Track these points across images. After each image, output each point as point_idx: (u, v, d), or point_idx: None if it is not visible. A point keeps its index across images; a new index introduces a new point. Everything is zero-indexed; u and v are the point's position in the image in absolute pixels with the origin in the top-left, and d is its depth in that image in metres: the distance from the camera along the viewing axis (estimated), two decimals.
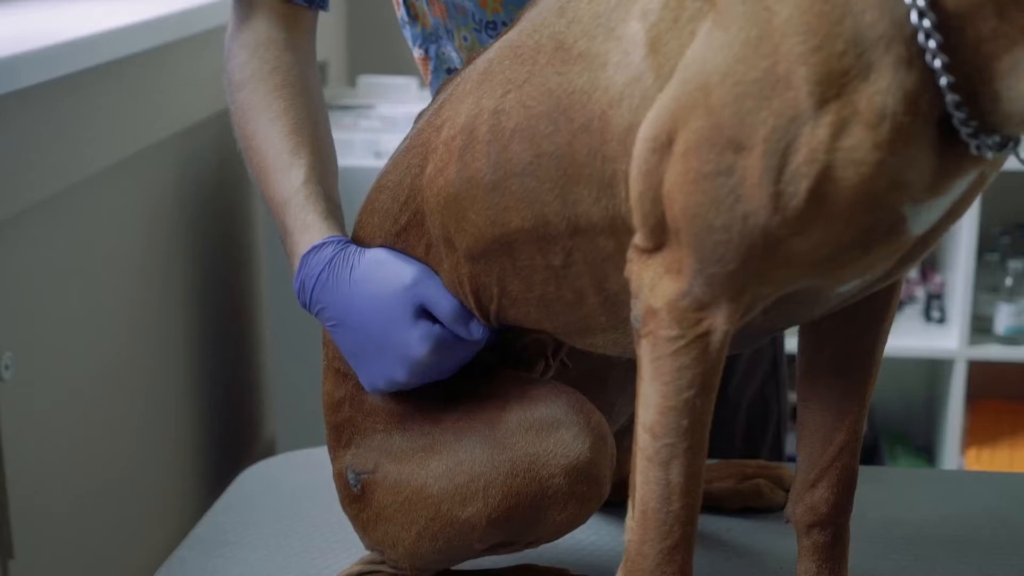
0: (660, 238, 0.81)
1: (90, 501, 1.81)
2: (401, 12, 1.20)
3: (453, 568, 1.04)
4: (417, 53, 1.21)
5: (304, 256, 1.00)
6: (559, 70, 0.87)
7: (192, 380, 2.21)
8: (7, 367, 1.43)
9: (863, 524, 1.15)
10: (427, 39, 1.18)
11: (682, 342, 0.81)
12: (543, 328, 0.95)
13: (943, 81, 0.73)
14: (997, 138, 0.76)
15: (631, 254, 0.84)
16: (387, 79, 2.80)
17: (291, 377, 2.40)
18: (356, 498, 0.99)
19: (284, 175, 1.03)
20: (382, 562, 1.02)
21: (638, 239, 0.83)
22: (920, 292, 2.86)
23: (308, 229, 1.00)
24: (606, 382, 1.05)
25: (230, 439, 2.43)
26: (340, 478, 1.01)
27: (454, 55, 1.17)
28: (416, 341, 0.94)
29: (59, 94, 1.64)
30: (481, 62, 0.94)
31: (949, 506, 1.19)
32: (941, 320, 2.82)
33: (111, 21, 1.72)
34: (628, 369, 0.97)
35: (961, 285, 2.66)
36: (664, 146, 0.79)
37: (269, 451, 2.60)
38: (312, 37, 1.13)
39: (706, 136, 0.77)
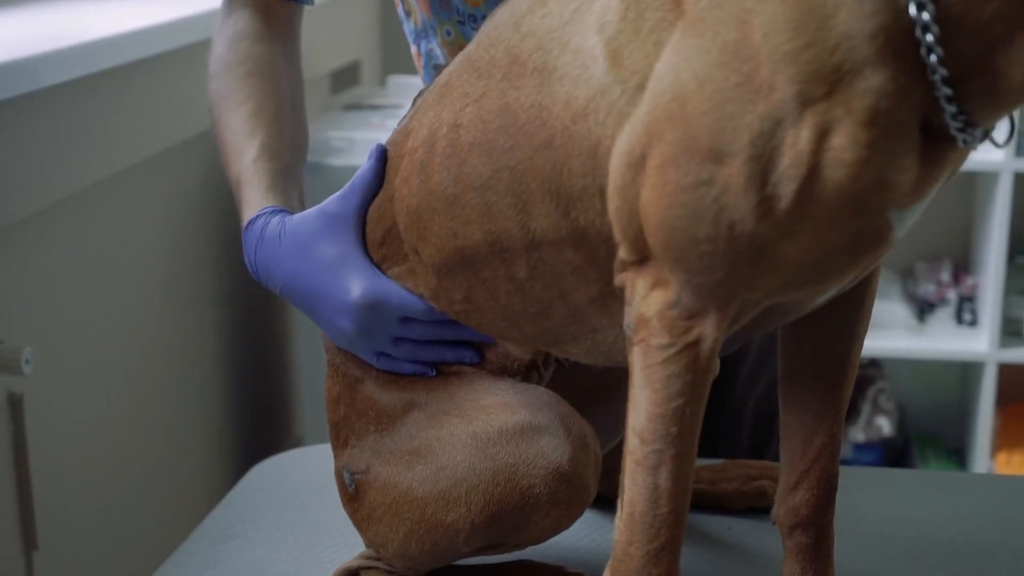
0: (642, 251, 0.81)
1: (114, 495, 1.84)
2: (399, 9, 1.22)
3: (452, 564, 1.05)
4: (412, 49, 1.22)
5: (243, 234, 1.03)
6: (514, 84, 0.87)
7: (219, 377, 2.24)
8: (27, 361, 1.46)
9: (865, 526, 1.15)
10: (419, 36, 1.20)
11: (672, 350, 0.81)
12: (511, 338, 0.96)
13: (938, 75, 0.73)
14: (983, 130, 0.76)
15: (620, 265, 0.83)
16: (417, 79, 2.81)
17: (319, 374, 2.41)
18: (352, 497, 1.01)
19: (238, 156, 1.06)
20: (379, 558, 1.04)
21: (622, 252, 0.83)
22: (952, 295, 2.84)
23: (248, 206, 1.03)
24: (611, 396, 1.06)
25: (257, 436, 2.45)
26: (339, 476, 1.02)
27: (439, 51, 1.18)
28: (350, 285, 0.96)
29: (85, 93, 1.66)
30: (444, 75, 0.95)
31: (951, 508, 1.19)
32: (973, 323, 2.80)
33: (137, 21, 1.75)
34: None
35: (992, 288, 2.65)
36: (638, 161, 0.79)
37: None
38: (294, 30, 1.15)
39: (684, 147, 0.76)
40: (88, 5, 1.96)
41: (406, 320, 0.97)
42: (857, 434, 2.85)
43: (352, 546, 1.14)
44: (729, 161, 0.74)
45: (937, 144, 0.76)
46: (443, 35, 1.16)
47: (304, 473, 1.30)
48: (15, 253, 1.57)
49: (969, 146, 0.76)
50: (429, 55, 1.20)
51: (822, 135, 0.73)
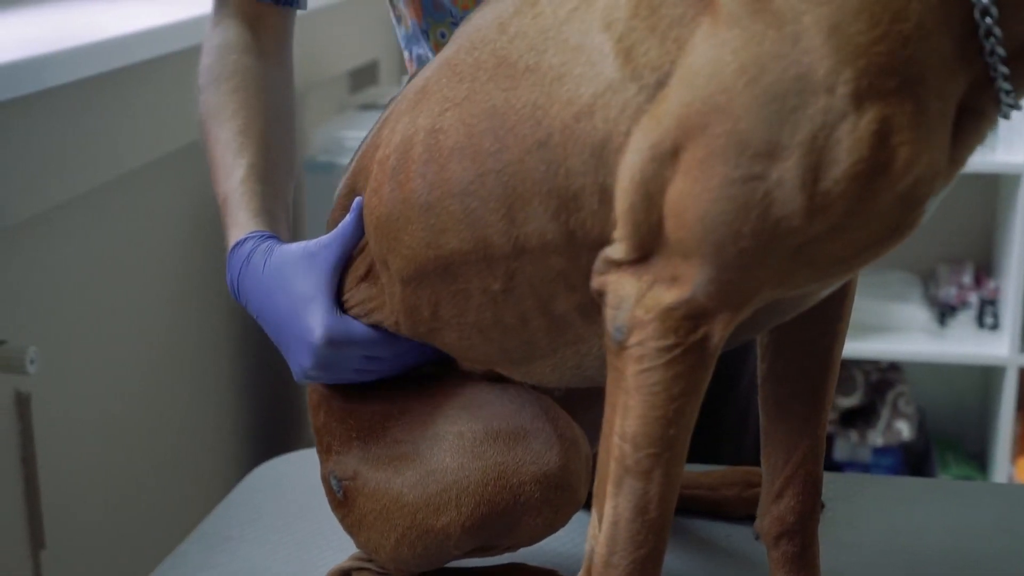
0: (649, 248, 0.79)
1: (122, 495, 1.84)
2: (391, 15, 1.21)
3: (444, 566, 1.04)
4: (405, 55, 1.21)
5: (229, 254, 1.02)
6: (503, 86, 0.85)
7: (229, 377, 2.24)
8: (32, 361, 1.46)
9: (866, 535, 1.14)
10: (410, 41, 1.19)
11: (678, 351, 0.78)
12: (477, 357, 0.94)
13: (996, 56, 0.73)
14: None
15: (602, 266, 0.81)
16: None
17: None
18: (340, 503, 1.00)
19: (226, 175, 1.05)
20: (371, 559, 1.03)
21: (617, 252, 0.80)
22: (973, 298, 2.82)
23: (236, 227, 1.03)
24: (597, 399, 1.04)
25: (267, 436, 2.45)
26: (326, 482, 1.02)
27: (430, 56, 1.17)
28: (313, 326, 0.95)
29: (94, 93, 1.66)
30: (419, 80, 0.93)
31: (956, 517, 1.18)
32: (994, 327, 2.77)
33: (146, 21, 1.75)
34: None
35: (1014, 291, 2.62)
36: (666, 155, 0.77)
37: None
38: (284, 36, 1.14)
39: (734, 140, 0.74)
40: (97, 5, 1.97)
41: (369, 358, 0.97)
42: (876, 438, 2.83)
43: (348, 548, 1.13)
44: (785, 155, 0.72)
45: (962, 124, 0.76)
46: (436, 38, 1.15)
47: (304, 475, 1.29)
48: (21, 253, 1.57)
49: (1007, 117, 0.76)
50: (420, 61, 1.19)
51: (887, 130, 0.72)
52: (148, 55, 1.71)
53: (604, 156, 0.80)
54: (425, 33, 1.16)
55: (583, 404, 1.02)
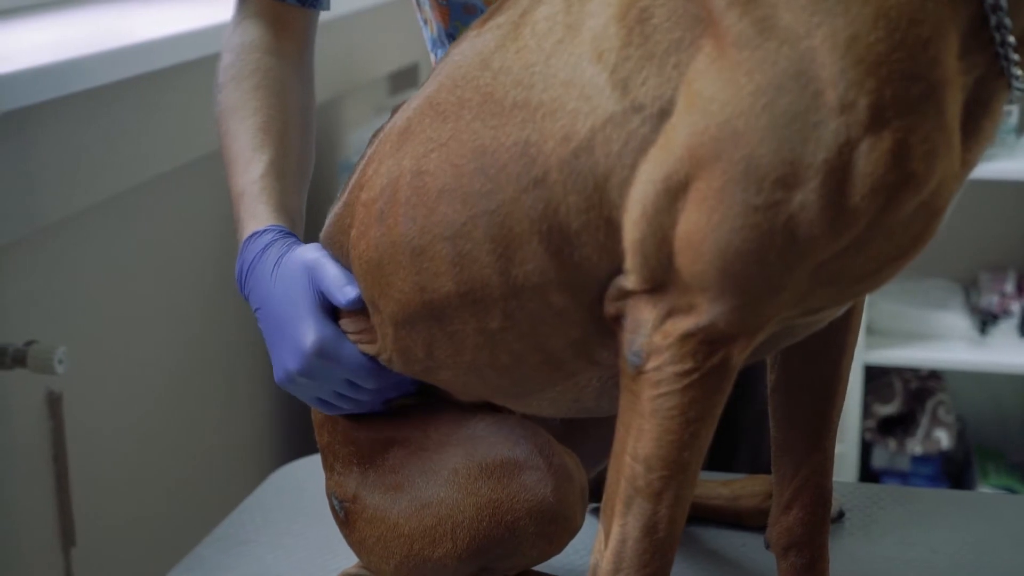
0: (660, 280, 0.77)
1: (151, 494, 1.85)
2: (418, 16, 1.20)
3: None
4: (432, 58, 1.20)
5: (245, 241, 1.00)
6: (490, 124, 0.82)
7: (257, 379, 2.25)
8: (60, 361, 1.47)
9: (880, 546, 1.13)
10: (435, 44, 1.18)
11: (695, 376, 0.77)
12: (473, 394, 0.93)
13: (1007, 46, 0.72)
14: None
15: (617, 292, 0.80)
16: None
17: None
18: (343, 522, 1.00)
19: (244, 168, 1.03)
20: None
21: (629, 281, 0.79)
22: (1015, 306, 2.78)
23: (255, 217, 1.01)
24: (600, 424, 1.04)
25: (292, 437, 2.46)
26: (330, 499, 1.02)
27: None
28: (307, 331, 0.94)
29: (128, 95, 1.68)
30: (400, 119, 0.91)
31: (974, 531, 1.16)
32: None
33: (182, 25, 1.76)
34: None
35: None
36: (678, 187, 0.74)
37: None
38: (306, 38, 1.13)
39: (754, 165, 0.71)
40: (128, 9, 1.98)
41: (352, 384, 0.96)
42: (915, 446, 2.80)
43: None
44: (808, 176, 0.70)
45: (970, 123, 0.75)
46: None
47: (320, 480, 1.29)
48: (51, 254, 1.59)
49: (1013, 103, 0.76)
50: None
51: (911, 140, 0.70)
52: (179, 59, 1.72)
53: (607, 190, 0.78)
54: (452, 37, 1.15)
55: (586, 429, 1.01)
